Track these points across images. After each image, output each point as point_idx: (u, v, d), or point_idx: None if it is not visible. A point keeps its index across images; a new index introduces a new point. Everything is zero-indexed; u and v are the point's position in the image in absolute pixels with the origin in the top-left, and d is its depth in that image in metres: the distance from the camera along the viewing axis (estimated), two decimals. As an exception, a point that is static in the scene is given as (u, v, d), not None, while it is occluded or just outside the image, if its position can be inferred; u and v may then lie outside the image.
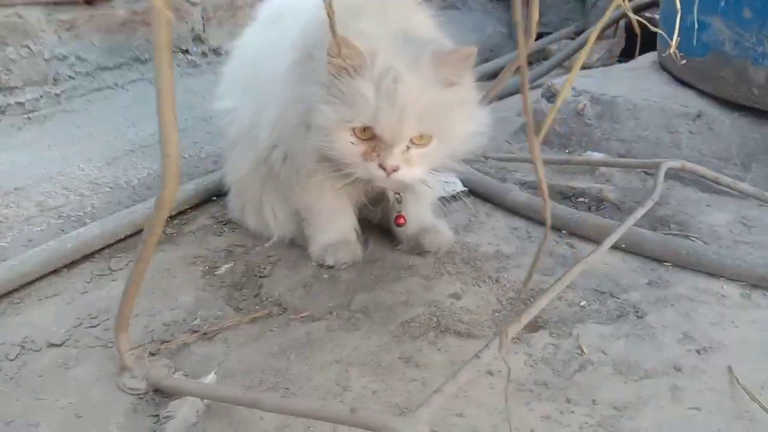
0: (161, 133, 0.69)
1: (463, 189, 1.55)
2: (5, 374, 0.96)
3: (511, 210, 1.45)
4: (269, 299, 1.14)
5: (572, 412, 0.88)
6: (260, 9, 1.32)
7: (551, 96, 1.86)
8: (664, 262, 1.22)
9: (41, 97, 1.53)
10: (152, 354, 0.99)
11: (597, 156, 1.64)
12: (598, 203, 1.48)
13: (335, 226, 1.24)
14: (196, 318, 1.09)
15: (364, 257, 1.26)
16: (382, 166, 1.02)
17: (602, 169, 1.62)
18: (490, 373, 0.94)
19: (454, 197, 1.53)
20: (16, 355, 0.99)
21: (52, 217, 1.36)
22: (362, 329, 1.06)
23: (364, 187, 1.16)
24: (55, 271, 1.21)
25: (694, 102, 1.63)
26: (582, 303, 1.12)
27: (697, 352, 0.99)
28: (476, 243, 1.32)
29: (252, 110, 1.21)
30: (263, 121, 1.18)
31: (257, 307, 1.12)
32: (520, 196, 1.43)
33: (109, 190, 1.48)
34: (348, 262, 1.22)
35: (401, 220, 1.25)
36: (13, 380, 0.94)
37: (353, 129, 1.02)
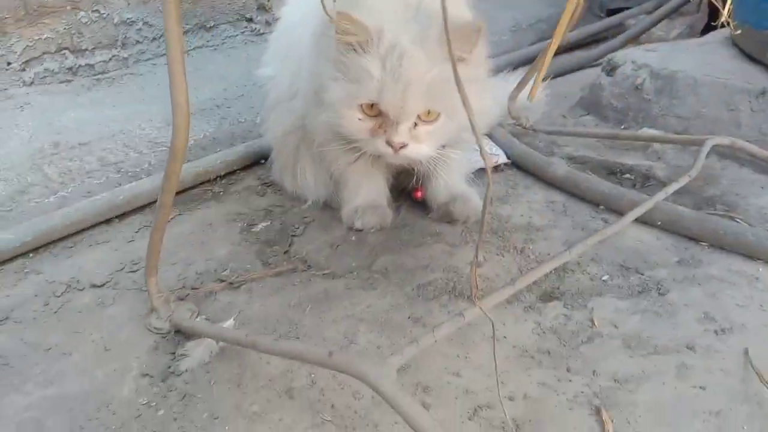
0: (171, 82, 0.73)
1: (506, 161, 1.54)
2: (51, 309, 1.06)
3: (551, 183, 1.43)
4: (297, 256, 1.19)
5: (570, 380, 0.88)
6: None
7: (611, 69, 1.80)
8: (701, 241, 1.18)
9: (110, 59, 1.64)
10: (180, 299, 1.06)
11: (647, 132, 1.58)
12: (644, 180, 1.43)
13: (366, 190, 1.27)
14: (226, 269, 1.15)
15: (393, 223, 1.28)
16: (389, 143, 1.04)
17: (655, 146, 1.57)
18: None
19: (496, 168, 1.53)
20: (62, 293, 1.10)
21: (111, 172, 1.47)
22: (379, 288, 1.09)
23: (384, 161, 1.17)
24: (107, 221, 1.32)
25: (759, 78, 1.53)
26: (604, 277, 1.10)
27: (715, 332, 0.96)
28: (508, 214, 1.32)
29: (289, 76, 1.25)
30: (299, 88, 1.22)
31: (284, 263, 1.17)
32: (561, 169, 1.41)
33: (166, 149, 1.56)
34: (376, 226, 1.25)
35: (418, 194, 1.26)
36: (56, 314, 1.04)
37: (360, 105, 1.04)
